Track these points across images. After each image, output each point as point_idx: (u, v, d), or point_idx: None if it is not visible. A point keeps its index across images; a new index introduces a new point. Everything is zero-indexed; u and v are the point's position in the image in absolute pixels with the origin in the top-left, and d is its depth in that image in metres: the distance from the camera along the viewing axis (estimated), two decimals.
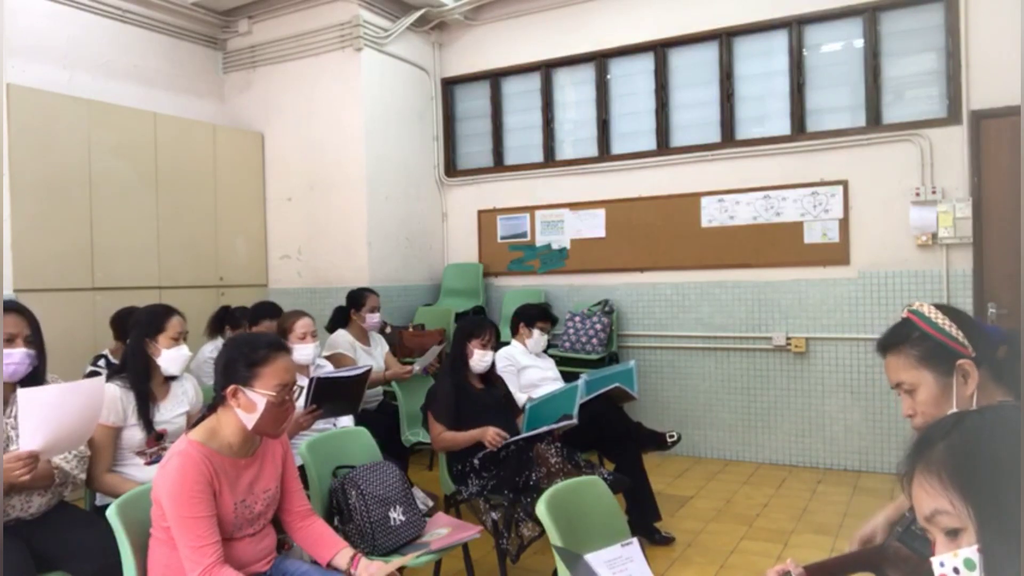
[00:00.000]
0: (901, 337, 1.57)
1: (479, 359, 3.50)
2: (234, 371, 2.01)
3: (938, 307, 1.56)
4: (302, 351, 3.44)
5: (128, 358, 2.76)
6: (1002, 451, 0.85)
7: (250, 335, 2.97)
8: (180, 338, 2.82)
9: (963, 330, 1.52)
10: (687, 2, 5.43)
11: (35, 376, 2.39)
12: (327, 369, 3.70)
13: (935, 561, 0.87)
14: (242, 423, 2.00)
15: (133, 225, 5.06)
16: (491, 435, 3.20)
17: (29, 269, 4.45)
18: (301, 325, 3.50)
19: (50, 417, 2.08)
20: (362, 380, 3.39)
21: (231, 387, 1.99)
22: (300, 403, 3.03)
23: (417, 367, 4.43)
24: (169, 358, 2.78)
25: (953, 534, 0.86)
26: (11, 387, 2.35)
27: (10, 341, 2.31)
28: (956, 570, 0.85)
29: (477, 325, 3.56)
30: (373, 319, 4.47)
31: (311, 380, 3.10)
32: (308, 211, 5.91)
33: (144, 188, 5.14)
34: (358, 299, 4.50)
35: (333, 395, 3.17)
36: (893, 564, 1.41)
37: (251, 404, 1.98)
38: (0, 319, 2.21)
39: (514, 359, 4.18)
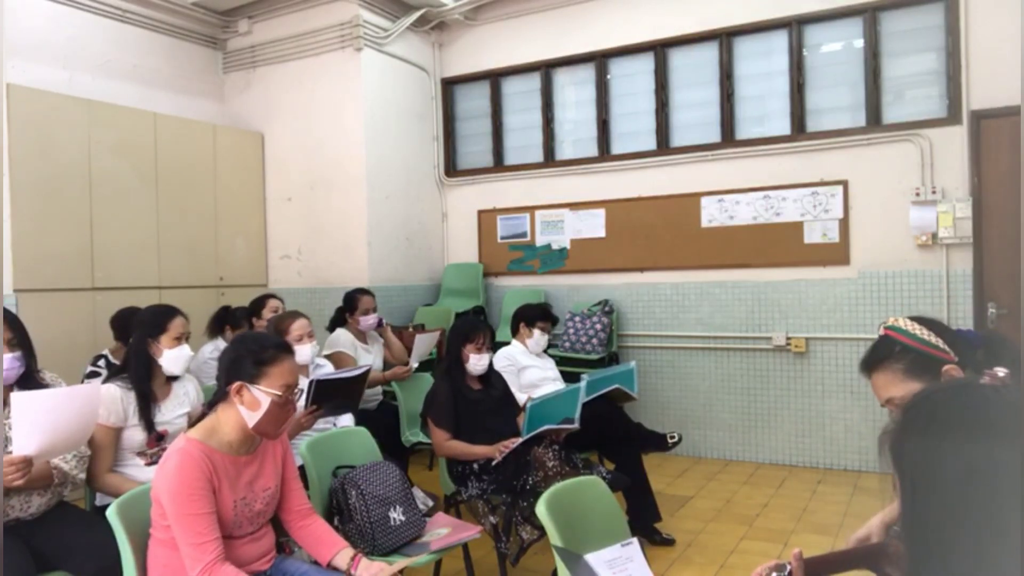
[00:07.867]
0: (884, 353, 1.58)
1: (475, 363, 3.48)
2: (241, 368, 2.01)
3: (913, 319, 1.59)
4: (300, 352, 3.43)
5: (130, 357, 2.76)
6: (934, 424, 0.84)
7: (258, 334, 2.98)
8: (182, 338, 2.83)
9: (942, 337, 1.54)
10: (687, 2, 5.43)
11: (28, 376, 2.39)
12: (326, 369, 3.70)
13: None
14: (243, 421, 2.00)
15: (133, 225, 5.05)
16: (501, 447, 3.19)
17: (29, 269, 4.44)
18: (297, 327, 3.48)
19: (44, 422, 2.06)
20: (362, 379, 3.40)
21: (236, 384, 1.99)
22: (300, 403, 3.04)
23: (413, 363, 4.43)
24: (171, 358, 2.78)
25: None
26: (7, 389, 2.34)
27: None
28: None
29: (471, 328, 3.52)
30: (367, 321, 4.46)
31: (311, 382, 3.11)
32: (308, 211, 5.91)
33: (144, 188, 5.14)
34: (350, 303, 4.49)
35: (333, 395, 3.19)
36: (892, 562, 1.42)
37: (255, 402, 1.99)
38: (0, 322, 2.20)
39: (514, 359, 4.17)
